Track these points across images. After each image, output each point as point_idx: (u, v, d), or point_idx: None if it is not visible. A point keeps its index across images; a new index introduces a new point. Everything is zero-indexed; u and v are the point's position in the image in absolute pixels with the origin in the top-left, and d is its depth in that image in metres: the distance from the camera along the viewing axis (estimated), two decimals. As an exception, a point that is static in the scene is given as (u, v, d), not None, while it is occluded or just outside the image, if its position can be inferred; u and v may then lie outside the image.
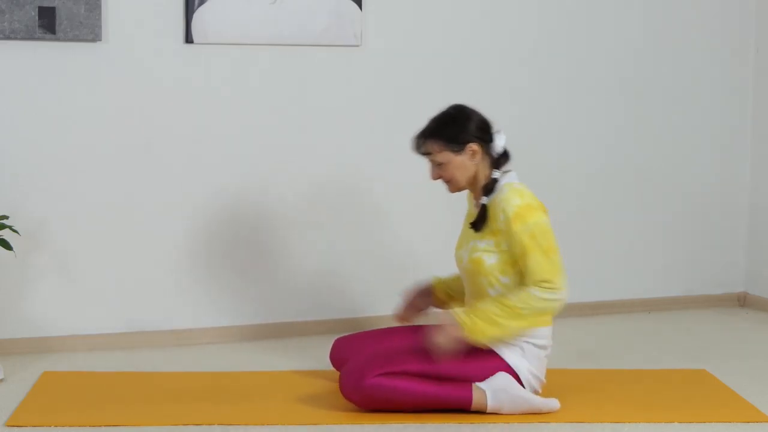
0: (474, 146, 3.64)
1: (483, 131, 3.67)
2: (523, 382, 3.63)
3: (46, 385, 3.95)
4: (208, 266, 4.60)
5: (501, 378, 3.62)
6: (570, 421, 3.61)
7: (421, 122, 4.84)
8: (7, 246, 3.99)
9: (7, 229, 4.06)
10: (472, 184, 3.71)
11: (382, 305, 4.64)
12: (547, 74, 5.03)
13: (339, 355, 3.91)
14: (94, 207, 4.44)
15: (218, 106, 4.57)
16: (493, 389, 3.60)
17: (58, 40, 4.29)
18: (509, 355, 3.62)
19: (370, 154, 4.78)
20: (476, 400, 3.59)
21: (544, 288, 3.55)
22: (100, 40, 4.35)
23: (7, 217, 4.09)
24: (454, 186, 3.71)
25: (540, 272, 3.55)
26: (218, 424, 3.53)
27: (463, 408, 3.60)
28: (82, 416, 3.60)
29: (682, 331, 4.89)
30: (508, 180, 3.67)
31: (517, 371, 3.62)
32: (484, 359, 3.60)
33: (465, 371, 3.58)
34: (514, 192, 3.60)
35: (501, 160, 3.70)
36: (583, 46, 5.07)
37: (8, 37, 4.23)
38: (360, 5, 4.66)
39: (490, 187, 3.67)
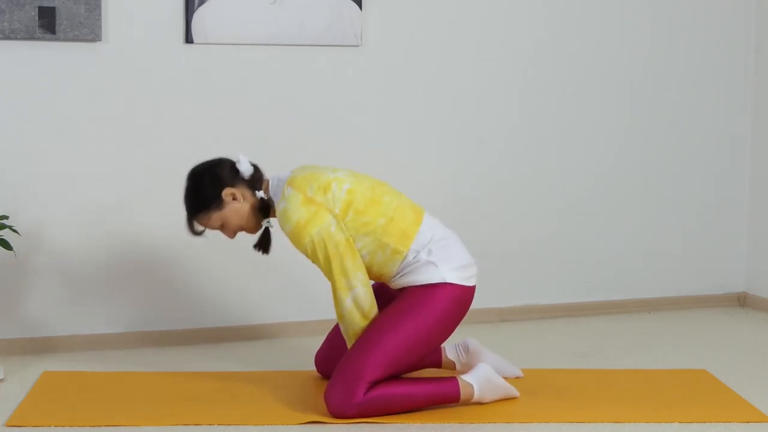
0: (226, 191, 3.70)
1: (225, 173, 3.73)
2: (459, 282, 3.65)
3: (46, 385, 3.95)
4: (208, 267, 4.60)
5: (483, 369, 3.71)
6: (570, 421, 3.61)
7: (421, 122, 4.86)
8: (7, 246, 3.99)
9: (7, 229, 4.06)
10: (257, 218, 3.77)
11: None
12: (552, 76, 5.03)
13: (326, 368, 3.98)
14: (94, 207, 4.44)
15: (218, 106, 4.57)
16: (479, 382, 3.68)
17: (58, 40, 4.29)
18: (428, 277, 3.64)
19: (370, 154, 4.78)
20: (463, 395, 3.67)
21: (341, 297, 3.64)
22: (100, 40, 4.35)
23: (7, 217, 4.09)
24: (248, 230, 3.80)
25: (333, 282, 3.64)
26: (218, 424, 3.53)
27: (452, 403, 3.66)
28: (82, 416, 3.60)
29: (682, 331, 4.89)
30: (276, 194, 3.71)
31: (445, 281, 3.63)
32: (420, 302, 3.61)
33: (420, 329, 3.60)
34: (283, 218, 3.65)
35: (256, 180, 3.76)
36: (586, 45, 5.07)
37: (8, 37, 4.23)
38: (360, 5, 4.66)
39: (265, 210, 3.77)
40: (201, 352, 4.46)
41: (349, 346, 3.71)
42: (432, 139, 4.88)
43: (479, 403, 3.71)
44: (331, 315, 4.70)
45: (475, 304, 5.02)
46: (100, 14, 4.32)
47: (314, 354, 4.08)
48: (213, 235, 4.57)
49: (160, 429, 3.50)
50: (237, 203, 3.72)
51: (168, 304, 4.57)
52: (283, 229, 3.66)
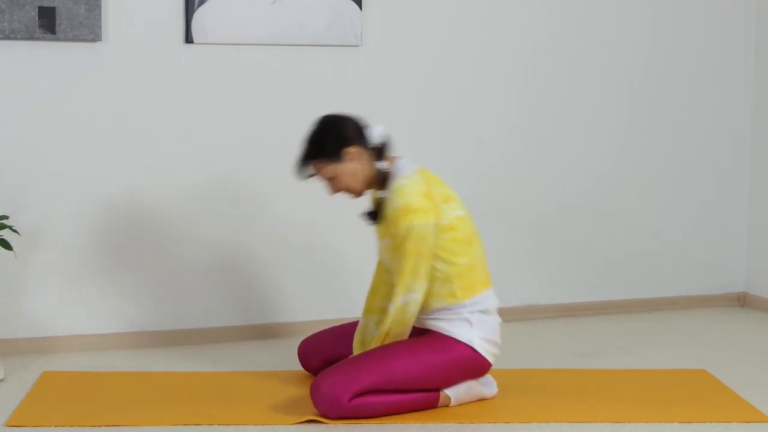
0: (351, 150, 3.67)
1: (355, 131, 3.71)
2: (481, 352, 3.67)
3: (46, 385, 3.95)
4: (208, 267, 4.60)
5: (463, 383, 3.74)
6: (570, 421, 3.62)
7: (421, 122, 4.86)
8: (7, 246, 3.99)
9: (7, 229, 4.06)
10: (369, 185, 3.76)
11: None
12: (552, 76, 5.03)
13: (307, 362, 4.00)
14: (94, 207, 4.44)
15: (218, 106, 4.57)
16: (457, 396, 3.72)
17: (58, 40, 4.29)
18: (459, 333, 3.66)
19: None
20: (441, 403, 3.71)
21: (397, 293, 3.62)
22: (100, 40, 4.35)
23: (7, 217, 4.09)
24: (353, 193, 3.77)
25: (398, 273, 3.62)
26: (218, 424, 3.53)
27: (429, 409, 3.70)
28: (82, 416, 3.60)
29: (682, 331, 4.89)
30: (399, 172, 3.70)
31: (471, 345, 3.65)
32: (440, 349, 3.63)
33: (427, 369, 3.61)
34: (396, 192, 3.64)
35: (382, 150, 3.73)
36: (586, 45, 5.07)
37: (8, 37, 4.23)
38: (360, 5, 4.66)
39: (382, 180, 3.73)
40: (201, 352, 4.46)
41: (373, 345, 3.73)
42: (432, 139, 4.88)
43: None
44: (330, 316, 4.72)
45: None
46: (100, 14, 4.32)
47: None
48: (211, 236, 4.57)
49: (160, 429, 3.50)
50: (354, 164, 3.69)
51: (168, 304, 4.57)
52: (390, 203, 3.64)
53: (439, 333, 3.69)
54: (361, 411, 3.56)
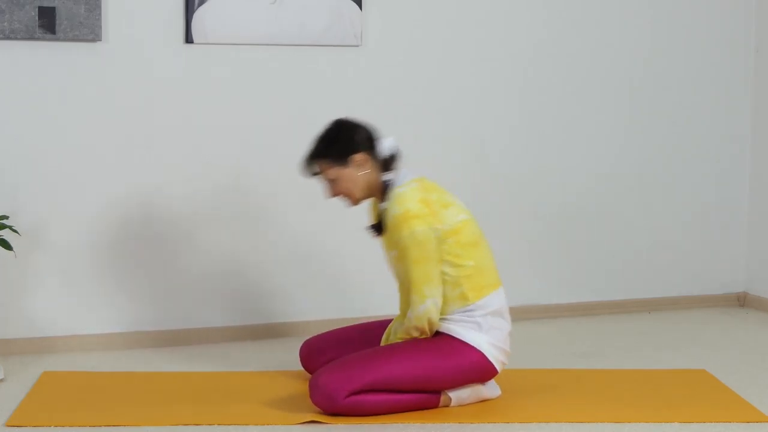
0: (359, 157, 3.69)
1: (366, 140, 3.73)
2: (489, 358, 3.67)
3: (46, 385, 3.95)
4: (208, 267, 4.60)
5: (468, 388, 3.74)
6: (570, 421, 3.62)
7: (422, 122, 4.86)
8: (7, 246, 3.99)
9: (7, 229, 4.06)
10: (369, 194, 3.77)
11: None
12: (552, 76, 5.03)
13: (309, 363, 3.99)
14: (94, 207, 4.44)
15: (218, 106, 4.57)
16: (459, 397, 3.72)
17: (58, 40, 4.29)
18: (469, 336, 3.66)
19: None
20: (442, 403, 3.71)
21: (415, 302, 3.65)
22: (100, 40, 4.35)
23: (7, 217, 4.10)
24: (351, 199, 3.78)
25: (410, 283, 3.64)
26: (218, 424, 3.53)
27: (429, 409, 3.69)
28: (82, 416, 3.60)
29: (682, 331, 4.89)
30: (399, 181, 3.71)
31: (480, 349, 3.66)
32: (448, 353, 3.63)
33: (431, 372, 3.62)
34: (396, 200, 3.65)
35: (389, 162, 3.75)
36: (586, 45, 5.07)
37: (8, 37, 4.23)
38: (360, 5, 4.66)
39: (384, 191, 3.75)
40: (201, 352, 4.46)
41: (389, 340, 3.76)
42: (432, 139, 4.88)
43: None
44: (331, 315, 4.72)
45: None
46: (100, 14, 4.32)
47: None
48: (212, 237, 4.57)
49: (160, 429, 3.50)
50: (359, 171, 3.70)
51: (168, 304, 4.57)
52: (390, 211, 3.66)
53: (449, 336, 3.68)
54: (357, 409, 3.56)
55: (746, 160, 5.38)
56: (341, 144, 3.70)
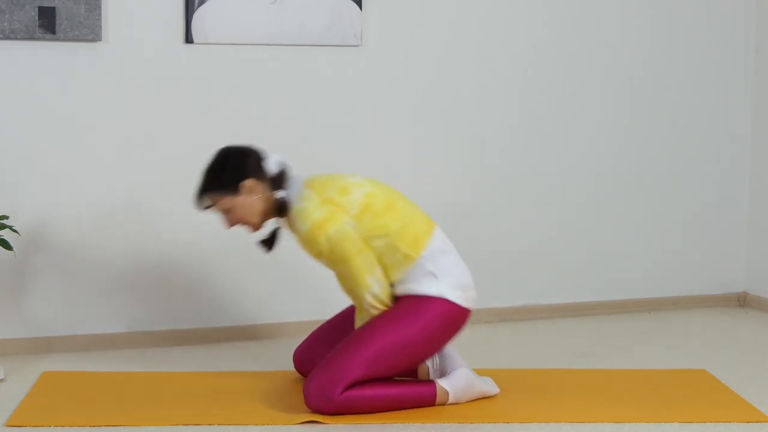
0: (248, 183, 3.70)
1: (253, 164, 3.73)
2: (455, 300, 3.68)
3: (46, 385, 3.95)
4: (208, 267, 4.60)
5: (462, 377, 3.74)
6: (570, 421, 3.62)
7: (422, 122, 4.86)
8: (7, 246, 3.99)
9: (7, 229, 4.06)
10: (266, 216, 3.78)
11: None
12: (552, 76, 5.03)
13: (303, 366, 3.99)
14: (94, 207, 4.44)
15: (218, 106, 4.57)
16: (456, 391, 3.72)
17: (58, 40, 4.29)
18: (428, 288, 3.67)
19: (370, 153, 4.78)
20: (439, 399, 3.71)
21: (360, 295, 3.69)
22: (100, 40, 4.35)
23: (7, 217, 4.10)
24: (249, 226, 3.79)
25: (352, 280, 3.67)
26: (218, 424, 3.53)
27: (427, 406, 3.69)
28: (82, 416, 3.60)
29: (682, 331, 4.89)
30: (294, 195, 3.72)
31: (442, 296, 3.66)
32: (414, 312, 3.64)
33: (411, 335, 3.62)
34: (300, 218, 3.66)
35: (280, 180, 3.76)
36: (586, 45, 5.07)
37: (8, 37, 4.23)
38: (360, 5, 4.66)
39: (280, 209, 3.75)
40: (201, 352, 4.46)
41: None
42: (432, 139, 4.88)
43: (454, 404, 3.75)
44: (328, 315, 4.72)
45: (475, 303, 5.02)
46: (100, 14, 4.32)
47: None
48: (213, 235, 4.57)
49: (160, 429, 3.50)
50: (251, 197, 3.71)
51: (168, 304, 4.57)
52: (298, 229, 3.67)
53: (410, 296, 3.69)
54: (354, 406, 3.56)
55: (746, 160, 5.38)
56: (228, 173, 3.71)
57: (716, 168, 5.35)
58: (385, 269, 3.70)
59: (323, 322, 4.09)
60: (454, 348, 3.94)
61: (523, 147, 5.04)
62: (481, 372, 3.92)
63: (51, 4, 4.24)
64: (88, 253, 4.45)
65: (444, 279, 3.69)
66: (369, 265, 3.65)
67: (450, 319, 3.68)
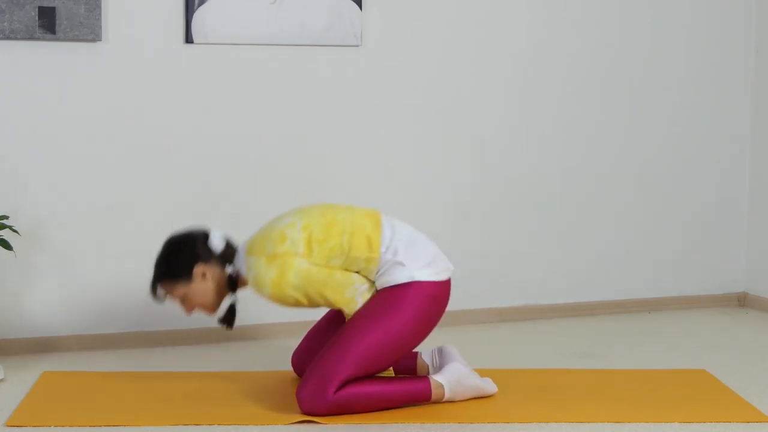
0: (198, 268, 3.72)
1: (199, 248, 3.74)
2: (427, 279, 3.67)
3: (46, 385, 3.95)
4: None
5: (455, 370, 3.73)
6: (570, 421, 3.62)
7: (422, 122, 4.86)
8: (7, 246, 3.99)
9: (7, 229, 4.06)
10: (221, 296, 3.80)
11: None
12: (552, 76, 5.03)
13: (303, 367, 3.98)
14: (94, 207, 4.44)
15: (218, 106, 4.57)
16: (450, 384, 3.70)
17: (58, 40, 4.29)
18: (398, 277, 3.66)
19: (370, 153, 4.78)
20: (435, 395, 3.70)
21: (344, 311, 3.70)
22: (100, 40, 4.35)
23: (7, 217, 4.10)
24: (207, 309, 3.81)
25: (335, 304, 3.68)
26: (217, 424, 3.53)
27: (423, 402, 3.69)
28: (82, 416, 3.60)
29: (682, 331, 4.89)
30: (242, 265, 3.72)
31: (414, 279, 3.65)
32: (393, 303, 3.64)
33: (394, 324, 3.62)
34: (257, 286, 3.67)
35: (227, 255, 3.77)
36: (586, 45, 5.07)
37: (8, 37, 4.23)
38: (360, 5, 4.66)
39: (233, 285, 3.79)
40: (201, 352, 4.46)
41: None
42: (432, 139, 4.88)
43: (452, 401, 3.74)
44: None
45: (475, 304, 5.04)
46: (100, 14, 4.32)
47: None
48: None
49: (160, 429, 3.50)
50: (204, 282, 3.75)
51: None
52: (262, 295, 3.69)
53: (385, 288, 3.68)
54: (350, 405, 3.56)
55: (746, 160, 5.38)
56: (178, 262, 3.73)
57: (716, 168, 5.35)
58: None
59: (318, 320, 4.09)
60: (455, 348, 3.95)
61: (523, 147, 5.04)
62: (481, 372, 3.92)
63: (51, 4, 4.24)
64: (88, 253, 4.45)
65: (410, 263, 3.67)
66: (343, 283, 3.65)
67: (430, 298, 3.68)
